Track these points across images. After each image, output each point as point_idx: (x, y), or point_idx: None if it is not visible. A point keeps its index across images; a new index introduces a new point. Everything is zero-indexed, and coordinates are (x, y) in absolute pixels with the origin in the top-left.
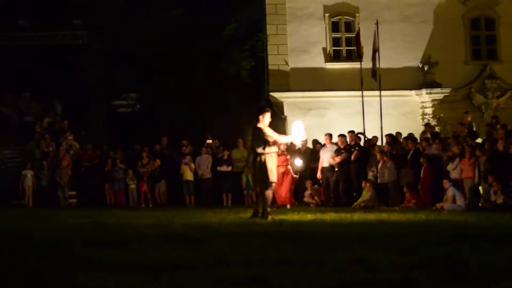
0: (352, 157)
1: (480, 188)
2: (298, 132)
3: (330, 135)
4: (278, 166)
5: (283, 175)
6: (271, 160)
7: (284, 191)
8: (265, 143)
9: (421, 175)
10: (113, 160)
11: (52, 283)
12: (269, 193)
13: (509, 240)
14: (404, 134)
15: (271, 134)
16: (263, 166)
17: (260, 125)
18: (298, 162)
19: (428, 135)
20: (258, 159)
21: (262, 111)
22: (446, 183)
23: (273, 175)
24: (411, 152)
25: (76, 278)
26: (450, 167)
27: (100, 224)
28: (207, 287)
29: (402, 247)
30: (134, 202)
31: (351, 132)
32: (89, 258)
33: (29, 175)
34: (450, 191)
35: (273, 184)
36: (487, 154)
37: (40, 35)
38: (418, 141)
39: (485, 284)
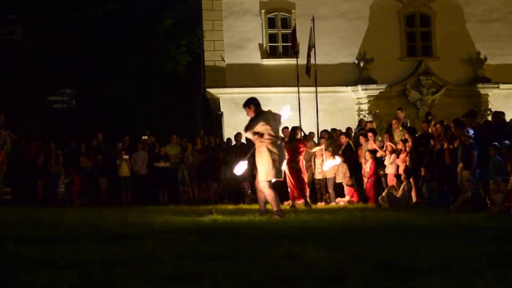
0: None
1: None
2: None
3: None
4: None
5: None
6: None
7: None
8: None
9: (368, 170)
10: (46, 156)
11: None
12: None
13: (440, 236)
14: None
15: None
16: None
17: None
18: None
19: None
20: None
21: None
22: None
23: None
24: (343, 147)
25: (6, 275)
26: (386, 162)
27: (33, 221)
28: (139, 284)
29: (334, 243)
30: (69, 198)
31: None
32: (20, 255)
33: None
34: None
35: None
36: (412, 150)
37: None
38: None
39: (415, 279)
